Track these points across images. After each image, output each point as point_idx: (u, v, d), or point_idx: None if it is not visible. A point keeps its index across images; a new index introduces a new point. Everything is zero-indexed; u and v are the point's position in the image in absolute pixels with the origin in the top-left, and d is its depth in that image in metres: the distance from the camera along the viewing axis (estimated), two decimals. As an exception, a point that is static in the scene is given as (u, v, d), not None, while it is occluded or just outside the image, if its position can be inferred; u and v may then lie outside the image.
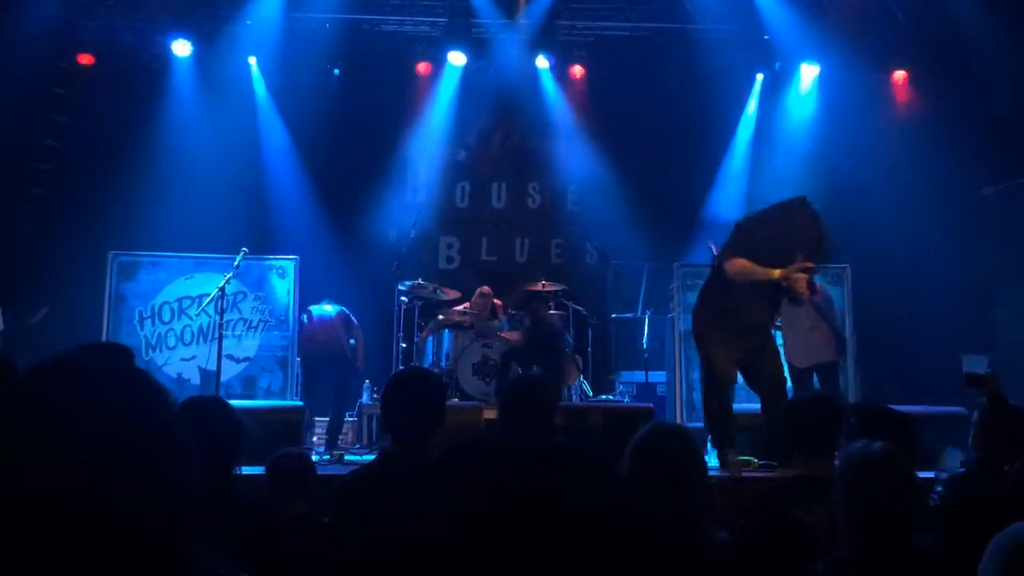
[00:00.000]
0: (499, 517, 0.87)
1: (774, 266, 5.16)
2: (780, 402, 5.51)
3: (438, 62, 9.58)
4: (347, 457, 6.64)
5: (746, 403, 8.76)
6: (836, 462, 2.47)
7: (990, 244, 8.47)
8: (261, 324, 8.99)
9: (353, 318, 8.16)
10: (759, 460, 5.77)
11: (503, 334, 8.17)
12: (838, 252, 8.71)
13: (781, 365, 5.80)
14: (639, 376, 8.25)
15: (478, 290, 8.37)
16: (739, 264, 5.25)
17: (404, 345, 8.10)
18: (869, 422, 3.11)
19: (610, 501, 0.90)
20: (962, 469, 3.90)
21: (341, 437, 7.63)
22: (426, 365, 7.91)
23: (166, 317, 8.39)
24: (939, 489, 3.53)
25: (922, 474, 3.86)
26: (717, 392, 5.50)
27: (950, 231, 8.35)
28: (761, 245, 5.25)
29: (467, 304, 8.39)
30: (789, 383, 6.85)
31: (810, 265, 5.20)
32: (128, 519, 0.94)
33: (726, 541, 2.48)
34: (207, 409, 2.70)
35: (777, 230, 5.28)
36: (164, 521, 0.97)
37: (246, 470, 2.94)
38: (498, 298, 8.52)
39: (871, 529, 2.28)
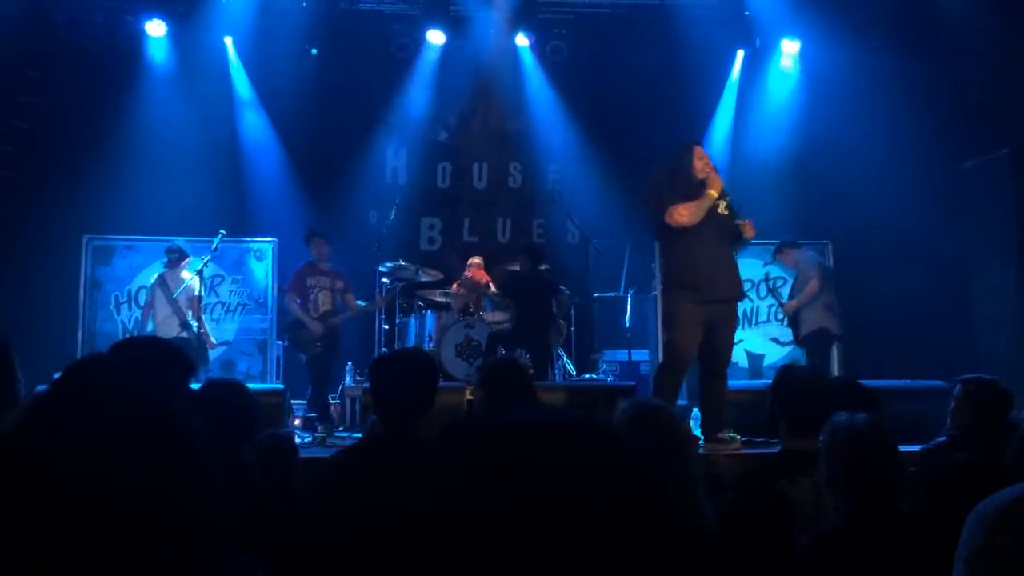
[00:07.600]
0: (507, 490, 0.83)
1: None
2: (720, 379, 5.37)
3: (417, 41, 9.47)
4: (330, 440, 6.59)
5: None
6: (821, 436, 2.47)
7: (969, 218, 8.51)
8: (239, 307, 8.92)
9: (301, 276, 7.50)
10: (741, 436, 5.77)
11: (485, 315, 8.14)
12: (820, 228, 8.81)
13: (732, 343, 5.51)
14: (622, 355, 8.25)
15: (471, 262, 8.53)
16: (681, 209, 5.05)
17: (386, 327, 8.04)
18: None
19: (622, 467, 0.86)
20: (943, 438, 3.94)
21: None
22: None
23: (143, 302, 8.28)
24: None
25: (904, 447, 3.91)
26: (673, 374, 5.27)
27: (930, 205, 8.38)
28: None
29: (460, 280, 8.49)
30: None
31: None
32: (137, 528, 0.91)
33: (713, 514, 2.47)
34: (228, 392, 2.70)
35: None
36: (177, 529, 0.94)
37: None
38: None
39: (859, 499, 2.28)
